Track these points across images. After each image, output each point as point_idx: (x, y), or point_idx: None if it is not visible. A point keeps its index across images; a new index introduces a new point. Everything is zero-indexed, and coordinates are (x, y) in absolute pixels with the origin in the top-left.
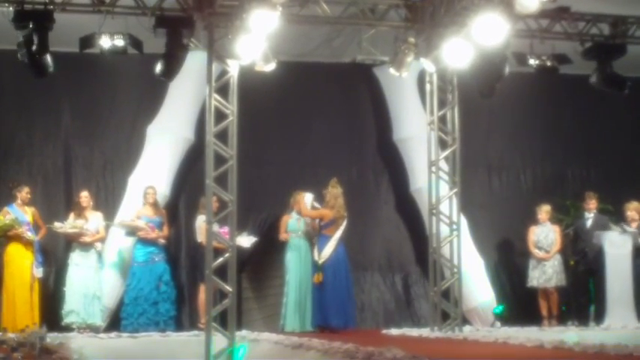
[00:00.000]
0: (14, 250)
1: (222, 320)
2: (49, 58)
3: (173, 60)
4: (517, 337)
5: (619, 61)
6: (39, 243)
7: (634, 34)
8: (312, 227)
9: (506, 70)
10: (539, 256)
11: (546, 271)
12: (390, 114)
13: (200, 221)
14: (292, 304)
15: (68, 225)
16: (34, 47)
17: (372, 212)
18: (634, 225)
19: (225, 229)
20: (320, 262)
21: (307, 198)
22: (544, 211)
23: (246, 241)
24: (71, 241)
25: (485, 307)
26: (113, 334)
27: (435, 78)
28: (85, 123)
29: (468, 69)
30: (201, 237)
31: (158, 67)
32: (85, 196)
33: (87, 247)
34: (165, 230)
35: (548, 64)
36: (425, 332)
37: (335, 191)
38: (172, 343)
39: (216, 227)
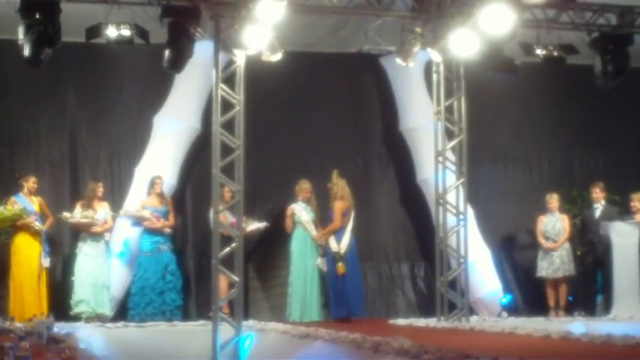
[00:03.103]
0: (22, 240)
1: (230, 310)
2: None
3: (181, 52)
4: (524, 327)
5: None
6: (46, 233)
7: None
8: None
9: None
10: (546, 247)
11: (554, 262)
12: (396, 104)
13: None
14: (297, 294)
15: (79, 215)
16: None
17: (378, 202)
18: (638, 216)
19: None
20: (342, 252)
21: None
22: (554, 199)
23: (252, 225)
24: (79, 231)
25: (492, 298)
26: (120, 324)
27: (441, 68)
28: (91, 113)
29: (478, 59)
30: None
31: (165, 61)
32: (101, 187)
33: (97, 237)
34: (172, 219)
35: (555, 54)
36: (432, 322)
37: (341, 183)
38: (179, 333)
39: (231, 217)
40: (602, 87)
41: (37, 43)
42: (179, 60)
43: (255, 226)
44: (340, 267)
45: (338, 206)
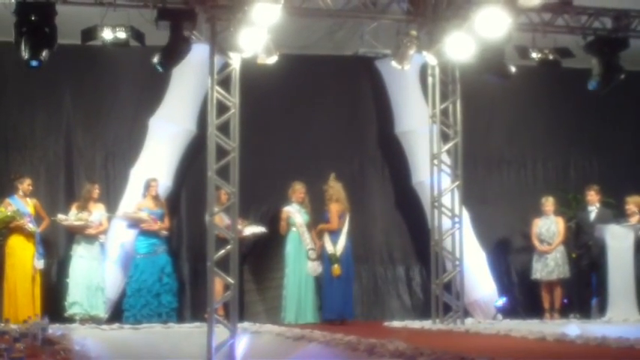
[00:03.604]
0: (15, 242)
1: (225, 312)
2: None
3: (174, 52)
4: (519, 329)
5: (621, 55)
6: (40, 235)
7: (636, 27)
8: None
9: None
10: (540, 249)
11: (548, 264)
12: (391, 107)
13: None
14: (291, 297)
15: (73, 217)
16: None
17: (373, 205)
18: (633, 219)
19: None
20: (337, 254)
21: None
22: (549, 203)
23: (249, 229)
24: (74, 234)
25: (487, 300)
26: (115, 326)
27: (437, 71)
28: (86, 115)
29: (473, 62)
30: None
31: (156, 57)
32: (97, 188)
33: (91, 239)
34: (167, 222)
35: (551, 57)
36: (427, 325)
37: (338, 186)
38: (174, 335)
39: (227, 219)
40: (599, 91)
41: (36, 45)
42: (171, 61)
43: (251, 230)
44: (336, 269)
45: (334, 208)
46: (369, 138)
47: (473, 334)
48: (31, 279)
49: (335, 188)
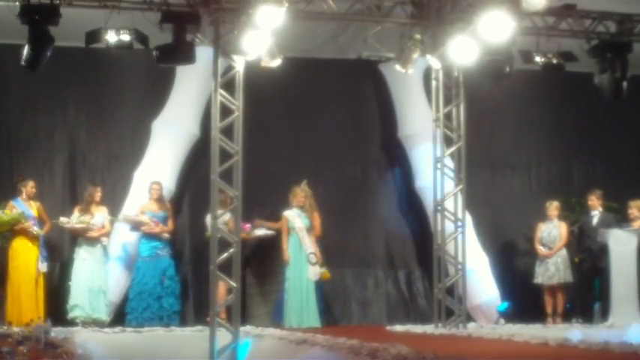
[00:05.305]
0: (19, 245)
1: (227, 315)
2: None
3: (175, 53)
4: (521, 334)
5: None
6: (44, 237)
7: None
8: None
9: (509, 68)
10: (541, 254)
11: (549, 269)
12: (395, 110)
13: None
14: (293, 301)
15: (76, 220)
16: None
17: (376, 209)
18: (636, 223)
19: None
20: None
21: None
22: (554, 207)
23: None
24: (77, 236)
25: (490, 304)
26: (117, 329)
27: (440, 75)
28: (90, 118)
29: (475, 66)
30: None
31: (157, 52)
32: (99, 191)
33: (93, 241)
34: (170, 225)
35: (554, 61)
36: (429, 329)
37: (310, 192)
38: (177, 338)
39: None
40: (613, 96)
41: (35, 47)
42: (171, 61)
43: (263, 231)
44: (326, 272)
45: (317, 216)
46: (372, 141)
47: (475, 338)
48: (34, 282)
49: (309, 194)
